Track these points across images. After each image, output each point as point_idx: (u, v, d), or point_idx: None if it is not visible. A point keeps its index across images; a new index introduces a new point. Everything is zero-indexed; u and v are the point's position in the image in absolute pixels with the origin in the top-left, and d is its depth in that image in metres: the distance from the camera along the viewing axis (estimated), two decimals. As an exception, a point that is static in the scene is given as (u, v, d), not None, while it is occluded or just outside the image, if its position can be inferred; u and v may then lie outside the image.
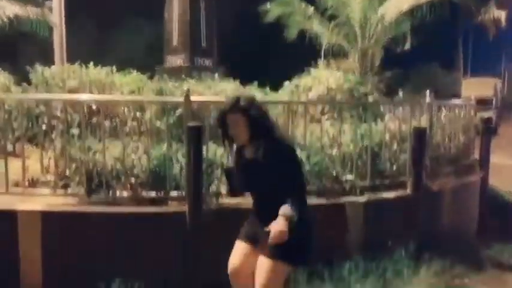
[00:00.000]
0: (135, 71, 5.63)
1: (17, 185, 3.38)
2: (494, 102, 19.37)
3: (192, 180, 3.02)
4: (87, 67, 5.27)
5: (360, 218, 3.41)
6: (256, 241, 2.27)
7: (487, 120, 4.77)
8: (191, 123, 3.04)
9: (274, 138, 2.22)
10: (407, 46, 8.58)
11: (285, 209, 2.05)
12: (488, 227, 4.58)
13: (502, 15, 21.90)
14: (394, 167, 3.83)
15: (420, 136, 3.67)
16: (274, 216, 2.06)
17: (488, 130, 4.80)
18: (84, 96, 4.15)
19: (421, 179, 3.71)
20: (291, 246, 2.11)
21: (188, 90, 3.27)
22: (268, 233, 2.02)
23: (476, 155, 5.04)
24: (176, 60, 7.51)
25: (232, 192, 2.48)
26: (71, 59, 6.25)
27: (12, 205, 3.10)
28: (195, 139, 2.99)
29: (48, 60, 5.41)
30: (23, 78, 5.15)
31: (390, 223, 3.47)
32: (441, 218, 3.95)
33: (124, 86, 5.28)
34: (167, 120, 3.46)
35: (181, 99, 3.30)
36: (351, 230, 3.38)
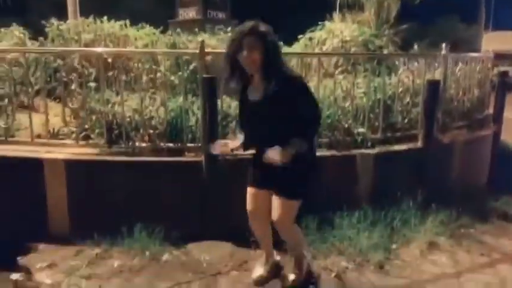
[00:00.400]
0: (147, 25, 5.64)
1: (39, 137, 3.54)
2: (516, 57, 18.76)
3: (208, 131, 3.13)
4: (101, 21, 5.29)
5: (370, 170, 3.50)
6: (263, 183, 2.43)
7: (503, 74, 4.70)
8: (206, 75, 3.10)
9: (285, 71, 2.24)
10: (425, -3, 8.28)
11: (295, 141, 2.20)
12: (497, 180, 4.65)
13: (529, -36, 20.64)
14: (406, 120, 3.87)
15: (433, 89, 3.68)
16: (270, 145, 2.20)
17: (504, 84, 4.74)
18: (100, 49, 4.19)
19: (432, 132, 3.76)
20: (296, 184, 2.34)
21: (203, 42, 3.29)
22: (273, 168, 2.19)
23: (491, 109, 5.03)
24: (189, 13, 7.43)
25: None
26: (82, 13, 6.24)
27: (37, 154, 3.27)
28: (210, 91, 3.06)
29: (57, 14, 5.38)
30: (34, 32, 5.19)
31: (400, 175, 3.56)
32: (451, 170, 4.02)
33: (138, 40, 5.33)
34: (182, 73, 3.52)
35: (195, 51, 3.34)
36: (361, 181, 3.48)
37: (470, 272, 2.93)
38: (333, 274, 2.83)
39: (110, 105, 3.38)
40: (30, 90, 3.58)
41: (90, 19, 5.33)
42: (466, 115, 4.45)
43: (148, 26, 5.63)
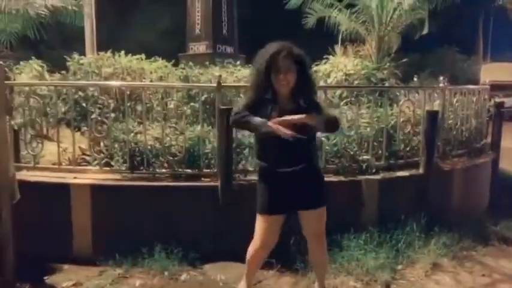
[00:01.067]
0: (159, 58, 5.99)
1: (59, 164, 3.79)
2: (514, 87, 19.15)
3: (224, 158, 3.37)
4: (119, 55, 5.64)
5: (375, 194, 3.72)
6: (284, 206, 2.49)
7: (499, 105, 4.98)
8: (223, 107, 3.38)
9: (311, 95, 2.45)
10: (424, 31, 8.71)
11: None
12: (497, 205, 4.85)
13: (524, -2, 21.44)
14: (408, 148, 4.12)
15: (432, 119, 3.94)
16: (300, 159, 2.39)
17: (500, 114, 5.01)
18: (124, 83, 4.50)
19: (433, 159, 3.99)
20: (323, 188, 2.55)
21: (220, 77, 3.60)
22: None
23: (489, 138, 5.28)
24: (199, 47, 7.85)
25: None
26: (98, 47, 6.65)
27: (64, 180, 3.52)
28: (227, 121, 3.32)
29: (68, 47, 5.76)
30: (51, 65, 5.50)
31: (403, 199, 3.78)
32: (452, 196, 4.22)
33: (153, 73, 5.66)
34: (195, 104, 3.81)
35: (213, 85, 3.64)
36: (366, 205, 3.70)
37: (472, 291, 3.10)
38: (342, 293, 3.01)
39: (132, 134, 3.64)
40: (51, 120, 3.86)
41: (109, 53, 5.68)
42: (464, 143, 4.69)
43: (160, 59, 5.97)
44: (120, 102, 4.36)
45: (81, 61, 5.40)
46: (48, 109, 4.18)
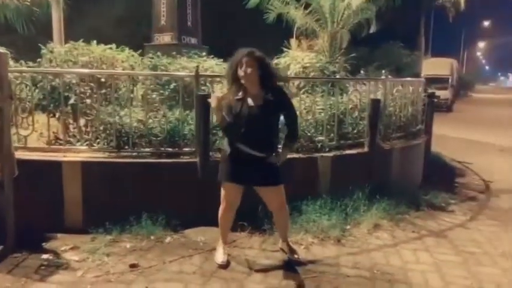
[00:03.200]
0: (126, 48, 6.28)
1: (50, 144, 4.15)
2: (450, 81, 20.96)
3: (202, 138, 3.91)
4: (91, 45, 5.91)
5: (328, 169, 4.42)
6: (247, 179, 3.10)
7: (431, 95, 5.86)
8: (201, 93, 3.91)
9: (276, 85, 3.07)
10: (372, 29, 9.59)
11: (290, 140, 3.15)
12: (428, 179, 5.76)
13: (461, -2, 23.30)
14: (355, 131, 4.85)
15: (376, 106, 4.68)
16: (262, 142, 3.01)
17: (431, 103, 5.90)
18: (117, 71, 4.90)
19: (376, 140, 4.75)
20: (279, 171, 3.15)
21: (198, 66, 4.12)
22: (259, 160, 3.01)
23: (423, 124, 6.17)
24: (164, 38, 8.19)
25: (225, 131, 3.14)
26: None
27: (57, 158, 3.90)
28: (204, 105, 3.85)
29: (44, 35, 5.86)
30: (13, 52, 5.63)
31: (351, 173, 4.50)
32: (391, 170, 5.03)
33: (124, 62, 6.00)
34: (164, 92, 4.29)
35: (191, 73, 4.14)
36: (321, 177, 4.39)
37: (404, 243, 3.87)
38: (303, 247, 3.67)
39: (117, 117, 4.07)
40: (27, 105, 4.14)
41: (81, 43, 5.92)
42: (402, 128, 5.52)
43: (127, 49, 6.25)
44: (107, 89, 4.65)
45: (55, 49, 5.64)
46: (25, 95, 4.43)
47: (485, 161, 7.89)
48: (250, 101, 3.01)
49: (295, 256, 3.37)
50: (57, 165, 3.87)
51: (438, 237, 4.03)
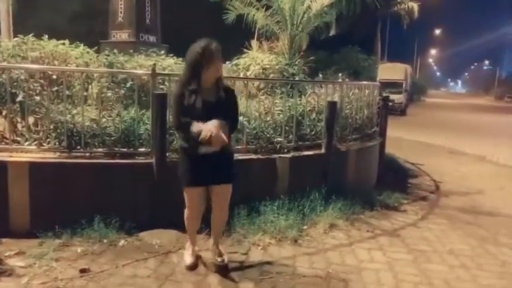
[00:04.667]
0: (81, 44, 6.06)
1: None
2: (404, 85, 21.83)
3: (158, 138, 3.82)
4: (43, 40, 5.64)
5: (287, 170, 4.45)
6: (205, 179, 3.06)
7: (385, 98, 6.06)
8: (158, 92, 3.82)
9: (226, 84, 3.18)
10: (331, 33, 9.79)
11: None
12: (382, 180, 5.94)
13: (414, 6, 24.40)
14: (313, 132, 4.92)
15: (332, 108, 4.77)
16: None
17: (386, 106, 6.09)
18: (70, 68, 4.71)
19: (332, 141, 4.84)
20: (232, 168, 3.15)
21: (154, 65, 4.02)
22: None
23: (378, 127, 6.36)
24: (121, 35, 7.95)
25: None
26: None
27: (2, 158, 3.68)
28: (161, 105, 3.77)
29: None
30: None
31: (308, 173, 4.56)
32: (347, 171, 5.15)
33: (78, 58, 5.77)
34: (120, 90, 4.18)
35: (149, 72, 4.03)
36: (279, 178, 4.41)
37: (359, 242, 3.96)
38: (260, 247, 3.67)
39: (69, 116, 3.90)
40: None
41: (31, 37, 5.64)
42: (358, 130, 5.66)
43: (82, 45, 6.03)
44: (60, 87, 4.45)
45: (2, 43, 5.33)
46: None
47: (436, 162, 8.27)
48: (204, 95, 2.95)
49: (219, 259, 3.26)
50: (2, 165, 3.64)
51: (391, 236, 4.16)
